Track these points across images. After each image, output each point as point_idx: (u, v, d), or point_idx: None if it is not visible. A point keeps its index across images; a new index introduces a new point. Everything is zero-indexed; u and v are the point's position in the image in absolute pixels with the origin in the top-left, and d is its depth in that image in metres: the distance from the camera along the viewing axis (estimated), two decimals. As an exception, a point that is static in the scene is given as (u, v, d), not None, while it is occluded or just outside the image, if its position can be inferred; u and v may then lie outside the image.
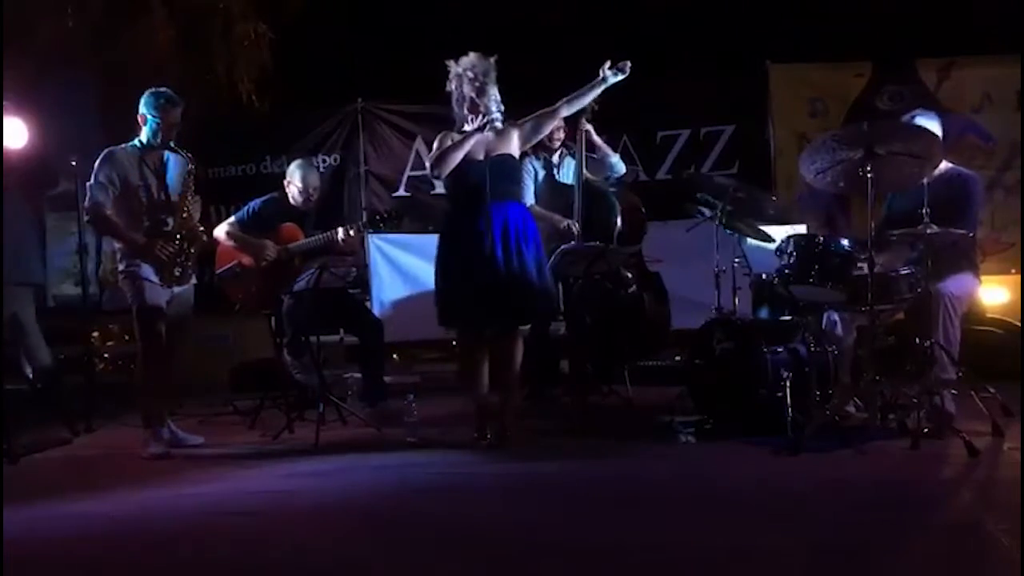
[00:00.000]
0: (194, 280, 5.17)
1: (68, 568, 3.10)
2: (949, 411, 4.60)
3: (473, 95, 4.66)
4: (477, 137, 4.68)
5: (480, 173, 4.66)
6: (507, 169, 4.77)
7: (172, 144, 4.97)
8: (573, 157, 6.06)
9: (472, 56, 4.70)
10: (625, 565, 2.93)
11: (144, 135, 4.98)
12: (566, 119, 6.08)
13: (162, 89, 5.01)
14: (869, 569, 2.82)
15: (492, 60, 4.70)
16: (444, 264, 4.79)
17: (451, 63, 4.74)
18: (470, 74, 4.67)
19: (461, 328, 4.94)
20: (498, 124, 4.65)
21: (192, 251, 5.05)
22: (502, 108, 4.68)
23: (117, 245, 5.04)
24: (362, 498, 3.95)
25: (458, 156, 4.67)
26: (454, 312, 4.78)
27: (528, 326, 5.81)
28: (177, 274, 4.98)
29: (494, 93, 4.67)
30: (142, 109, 4.95)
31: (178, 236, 4.96)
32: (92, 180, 4.92)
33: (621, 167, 6.23)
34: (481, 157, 4.71)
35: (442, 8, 9.92)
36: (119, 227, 4.94)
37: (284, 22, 9.00)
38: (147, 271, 4.91)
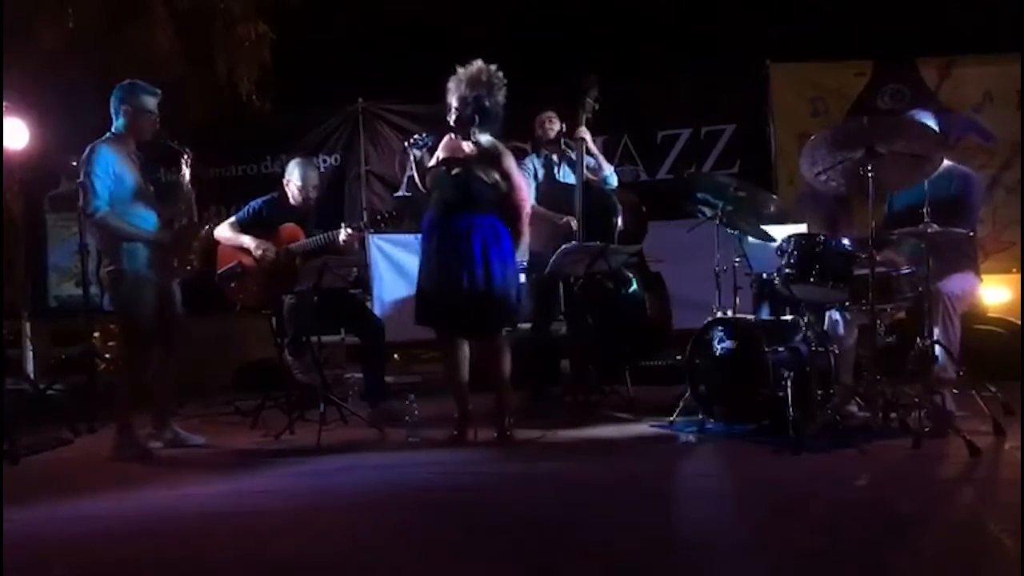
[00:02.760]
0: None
1: (69, 568, 3.10)
2: (950, 410, 4.60)
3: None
4: (446, 143, 4.84)
5: (440, 183, 4.81)
6: (461, 184, 4.78)
7: (171, 142, 4.97)
8: (571, 165, 6.05)
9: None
10: (626, 564, 2.93)
11: (118, 126, 4.95)
12: (564, 119, 6.13)
13: (137, 81, 4.98)
14: (870, 569, 2.81)
15: (463, 69, 4.76)
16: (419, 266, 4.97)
17: None
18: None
19: (433, 328, 5.02)
20: (450, 121, 4.77)
21: (191, 243, 5.02)
22: (473, 112, 4.73)
23: (110, 243, 4.93)
24: (363, 498, 3.95)
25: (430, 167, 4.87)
26: (421, 313, 4.91)
27: (527, 327, 5.86)
28: (178, 267, 4.97)
29: (455, 102, 4.75)
30: (128, 101, 4.92)
31: (178, 230, 4.95)
32: (86, 177, 4.81)
33: (614, 181, 6.23)
34: (446, 166, 4.81)
35: (443, 7, 9.92)
36: (120, 223, 4.86)
37: (285, 22, 9.00)
38: (146, 269, 4.89)
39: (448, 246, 4.75)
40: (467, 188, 4.76)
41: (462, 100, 4.73)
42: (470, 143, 4.82)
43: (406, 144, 4.97)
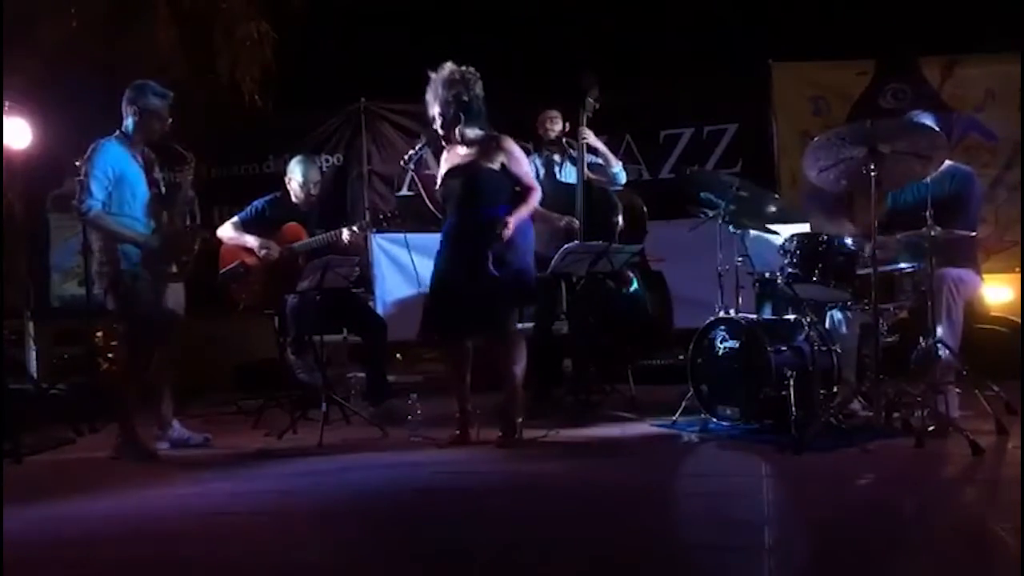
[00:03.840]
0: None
1: (70, 568, 3.11)
2: (953, 409, 4.60)
3: None
4: (446, 156, 4.89)
5: (444, 188, 4.88)
6: (469, 182, 4.77)
7: (174, 144, 4.97)
8: (574, 163, 6.05)
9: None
10: (627, 563, 2.93)
11: (127, 126, 4.95)
12: (566, 116, 6.13)
13: (148, 82, 4.99)
14: (873, 568, 2.81)
15: (435, 75, 4.75)
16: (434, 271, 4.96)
17: None
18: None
19: (440, 332, 4.99)
20: (441, 134, 4.80)
21: (188, 249, 5.02)
22: (456, 112, 4.72)
23: (105, 243, 4.91)
24: (365, 498, 3.95)
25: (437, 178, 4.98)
26: (427, 321, 4.89)
27: (529, 327, 5.85)
28: (175, 271, 4.97)
29: (437, 107, 4.75)
30: (137, 102, 4.92)
31: (174, 233, 4.95)
32: (87, 176, 4.81)
33: (622, 178, 6.22)
34: (446, 171, 4.86)
35: (445, 6, 9.91)
36: (114, 225, 4.85)
37: (287, 22, 8.99)
38: (143, 270, 4.87)
39: (465, 243, 4.74)
40: (477, 186, 4.75)
41: (444, 104, 4.74)
42: (464, 146, 4.81)
43: (402, 163, 5.20)
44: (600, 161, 6.12)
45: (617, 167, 6.16)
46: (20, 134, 6.22)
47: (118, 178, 4.85)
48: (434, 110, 4.79)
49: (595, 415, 5.59)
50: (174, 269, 4.97)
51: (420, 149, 5.06)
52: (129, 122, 4.95)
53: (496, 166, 4.78)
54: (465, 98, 4.72)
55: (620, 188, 6.15)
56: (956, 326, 4.69)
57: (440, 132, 4.83)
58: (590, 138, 5.99)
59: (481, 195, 4.75)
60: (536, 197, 4.88)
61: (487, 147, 4.78)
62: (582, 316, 5.72)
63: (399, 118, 8.43)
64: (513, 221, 4.67)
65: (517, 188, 4.84)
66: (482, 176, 4.76)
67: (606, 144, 6.19)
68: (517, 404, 4.89)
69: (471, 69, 4.77)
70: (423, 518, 3.59)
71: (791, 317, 5.08)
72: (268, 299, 5.78)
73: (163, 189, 5.04)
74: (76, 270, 8.15)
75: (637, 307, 5.99)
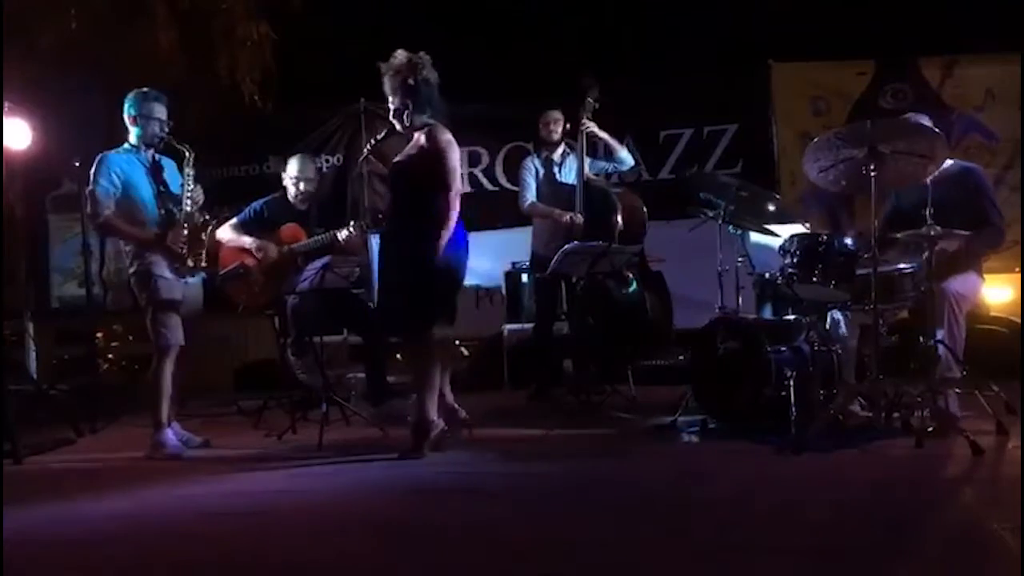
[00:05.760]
0: (204, 275, 5.17)
1: (70, 568, 3.10)
2: (953, 410, 4.59)
3: None
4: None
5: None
6: (398, 177, 4.71)
7: (172, 140, 4.99)
8: (576, 154, 6.08)
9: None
10: (627, 564, 2.93)
11: (133, 136, 5.00)
12: (567, 116, 6.15)
13: (144, 89, 5.03)
14: (872, 569, 2.81)
15: (385, 64, 4.61)
16: None
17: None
18: None
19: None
20: (398, 127, 4.69)
21: (203, 239, 5.05)
22: (403, 98, 4.58)
23: (126, 247, 5.02)
24: (365, 498, 3.95)
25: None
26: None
27: (529, 327, 5.86)
28: (191, 264, 4.99)
29: (391, 98, 4.63)
30: (131, 111, 4.97)
31: (187, 225, 4.97)
32: (93, 185, 4.89)
33: (629, 159, 6.23)
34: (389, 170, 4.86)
35: (445, 6, 9.91)
36: (126, 227, 4.92)
37: (286, 22, 9.00)
38: (160, 267, 4.90)
39: (392, 241, 4.72)
40: (404, 182, 4.66)
41: (392, 91, 4.61)
42: (414, 140, 4.68)
43: (365, 150, 5.15)
44: (603, 162, 6.15)
45: (623, 151, 6.19)
46: (20, 135, 6.22)
47: (124, 186, 4.90)
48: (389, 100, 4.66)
49: (595, 415, 5.58)
50: (191, 263, 4.99)
51: (379, 141, 4.94)
52: (135, 132, 4.99)
53: (425, 159, 4.57)
54: (411, 82, 4.55)
55: (619, 185, 6.17)
56: (958, 341, 4.68)
57: (393, 122, 4.69)
58: (592, 127, 6.00)
59: (409, 191, 4.62)
60: (453, 202, 4.50)
61: (419, 139, 4.63)
62: (582, 316, 5.73)
63: (399, 119, 8.41)
64: (442, 243, 4.46)
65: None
66: (408, 171, 4.62)
67: (605, 145, 6.21)
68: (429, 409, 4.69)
69: (421, 54, 4.59)
70: (423, 518, 3.58)
71: (791, 317, 5.08)
72: (268, 300, 5.78)
73: (168, 188, 5.05)
74: (76, 271, 8.18)
75: (637, 307, 6.00)
